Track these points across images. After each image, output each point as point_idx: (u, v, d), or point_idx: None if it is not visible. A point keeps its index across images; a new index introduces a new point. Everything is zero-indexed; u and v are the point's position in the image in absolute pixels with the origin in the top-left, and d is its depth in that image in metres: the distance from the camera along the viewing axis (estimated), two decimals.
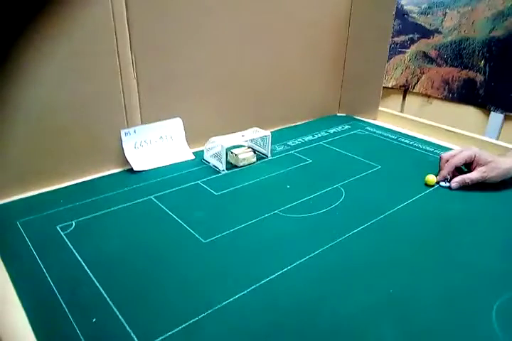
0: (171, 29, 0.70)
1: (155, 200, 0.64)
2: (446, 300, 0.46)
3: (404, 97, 1.57)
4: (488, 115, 1.36)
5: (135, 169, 0.72)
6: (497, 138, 1.27)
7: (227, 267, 0.51)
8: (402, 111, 1.53)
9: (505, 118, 1.31)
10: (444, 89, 1.42)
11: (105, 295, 0.46)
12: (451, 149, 0.84)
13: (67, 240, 0.55)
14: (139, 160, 0.73)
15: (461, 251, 0.54)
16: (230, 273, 0.50)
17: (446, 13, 1.29)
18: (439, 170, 0.70)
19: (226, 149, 0.73)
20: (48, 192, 0.66)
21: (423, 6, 1.34)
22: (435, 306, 0.45)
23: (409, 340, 0.41)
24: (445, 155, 0.70)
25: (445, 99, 1.46)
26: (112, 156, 0.72)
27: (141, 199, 0.64)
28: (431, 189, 0.69)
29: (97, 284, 0.47)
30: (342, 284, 0.48)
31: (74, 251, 0.53)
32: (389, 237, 0.57)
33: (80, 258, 0.51)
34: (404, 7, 1.39)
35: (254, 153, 0.77)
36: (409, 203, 0.65)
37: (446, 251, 0.54)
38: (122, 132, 0.71)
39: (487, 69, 1.26)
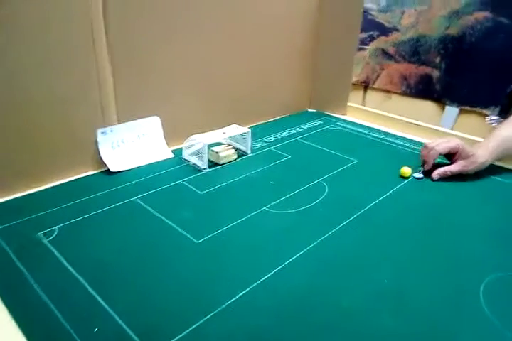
0: (148, 27, 0.68)
1: (139, 202, 0.62)
2: (437, 285, 0.49)
3: (365, 93, 1.62)
4: (443, 109, 1.43)
5: (112, 170, 0.69)
6: (451, 129, 1.34)
7: (225, 267, 0.50)
8: (363, 106, 1.57)
9: (460, 111, 1.39)
10: (403, 85, 1.48)
11: (102, 302, 0.44)
12: (420, 142, 0.88)
13: (51, 247, 0.52)
14: (116, 161, 0.70)
15: (444, 238, 0.57)
16: (228, 273, 0.49)
17: (404, 11, 1.35)
18: (422, 159, 0.73)
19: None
20: (24, 196, 0.62)
21: (382, 4, 1.39)
22: (428, 291, 0.48)
23: (408, 326, 0.43)
24: (431, 144, 0.71)
25: (403, 94, 1.51)
26: (90, 157, 0.69)
27: (125, 201, 0.62)
28: (406, 181, 0.72)
29: (91, 291, 0.46)
30: (338, 277, 0.50)
31: (61, 258, 0.50)
32: (375, 229, 0.59)
33: (68, 266, 0.49)
34: (364, 5, 1.42)
35: (235, 150, 0.77)
36: (389, 195, 0.67)
37: (430, 239, 0.57)
38: (98, 132, 0.68)
39: (443, 65, 1.33)
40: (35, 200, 0.61)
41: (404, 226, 0.60)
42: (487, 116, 1.29)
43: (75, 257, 0.50)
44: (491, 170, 0.72)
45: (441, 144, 0.70)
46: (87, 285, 0.46)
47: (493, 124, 1.30)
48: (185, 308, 0.44)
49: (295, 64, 0.97)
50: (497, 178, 0.73)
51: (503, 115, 1.27)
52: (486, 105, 1.26)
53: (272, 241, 0.55)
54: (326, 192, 0.67)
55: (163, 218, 0.59)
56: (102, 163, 0.70)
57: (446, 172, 0.71)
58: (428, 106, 1.42)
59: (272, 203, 0.64)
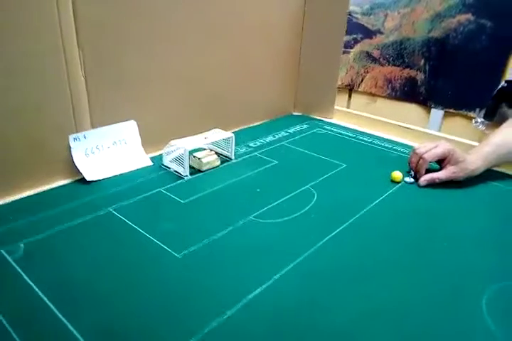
0: (123, 25, 0.64)
1: (115, 213, 0.58)
2: (436, 297, 0.45)
3: (349, 96, 1.60)
4: (429, 111, 1.42)
5: (87, 179, 0.64)
6: (438, 132, 1.33)
7: (209, 283, 0.46)
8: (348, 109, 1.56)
9: (445, 114, 1.38)
10: (388, 88, 1.46)
11: (72, 328, 0.39)
12: (409, 146, 0.86)
13: (16, 266, 0.47)
14: (92, 169, 0.65)
15: (440, 246, 0.54)
16: (214, 290, 0.45)
17: (387, 14, 1.33)
18: (410, 164, 0.70)
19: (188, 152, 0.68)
20: None
21: (365, 7, 1.38)
22: (427, 304, 0.44)
23: None
24: (419, 150, 0.69)
25: (389, 97, 1.50)
26: (60, 165, 0.64)
27: (99, 213, 0.57)
28: (398, 185, 0.69)
29: (60, 316, 0.41)
30: (332, 290, 0.46)
31: (26, 278, 0.45)
32: (368, 237, 0.55)
33: (35, 287, 0.44)
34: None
35: (218, 156, 0.73)
36: (381, 201, 0.64)
37: (427, 248, 0.54)
38: (70, 138, 0.63)
39: (427, 68, 1.32)
40: None
41: (399, 234, 0.56)
42: (473, 118, 1.28)
43: (43, 277, 0.45)
44: (489, 175, 0.70)
45: (430, 152, 0.67)
46: (55, 310, 0.41)
47: (480, 127, 1.29)
48: (165, 331, 0.40)
49: (279, 67, 0.94)
50: (495, 184, 0.71)
51: (489, 118, 1.26)
52: (470, 107, 1.25)
53: (259, 253, 0.51)
54: (315, 199, 0.64)
55: (140, 230, 0.54)
56: (77, 172, 0.65)
57: (434, 179, 0.68)
58: (414, 109, 1.41)
59: (259, 212, 0.60)
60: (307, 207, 0.62)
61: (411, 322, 0.42)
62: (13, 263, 0.47)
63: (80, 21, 0.59)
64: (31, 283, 0.45)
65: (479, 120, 1.28)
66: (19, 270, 0.46)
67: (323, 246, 0.53)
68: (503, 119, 1.24)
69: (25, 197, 0.61)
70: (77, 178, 0.65)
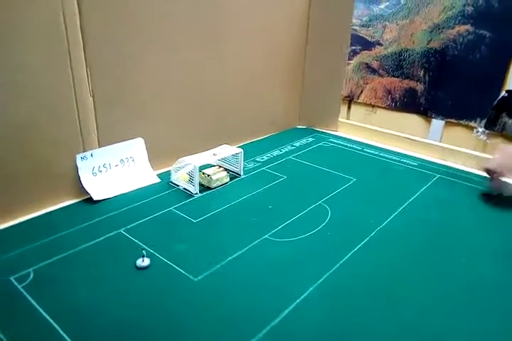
0: (130, 41, 0.62)
1: (126, 234, 0.56)
2: (471, 318, 0.44)
3: (349, 107, 1.60)
4: (429, 122, 1.42)
5: (95, 198, 0.62)
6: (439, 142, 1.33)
7: (230, 308, 0.44)
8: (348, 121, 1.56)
9: (446, 124, 1.38)
10: (387, 99, 1.47)
11: None
12: (415, 157, 0.85)
13: (26, 294, 0.45)
14: (99, 188, 0.64)
15: (467, 260, 0.53)
16: (235, 316, 0.43)
17: (385, 25, 1.34)
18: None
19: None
20: None
21: (364, 19, 1.38)
22: (462, 329, 0.43)
23: None
24: (494, 174, 0.67)
25: (388, 108, 1.50)
26: (67, 185, 0.62)
27: (109, 234, 0.55)
28: (412, 199, 0.68)
29: None
30: (360, 313, 0.44)
31: (37, 307, 0.43)
32: (389, 254, 0.54)
33: (47, 316, 0.42)
34: None
35: (227, 172, 0.71)
36: (398, 215, 0.63)
37: (452, 263, 0.52)
38: (78, 157, 0.61)
39: (426, 78, 1.33)
40: (4, 238, 0.54)
41: (419, 249, 0.55)
42: (474, 128, 1.28)
43: (53, 304, 0.43)
44: None
45: (503, 172, 0.66)
46: (67, 338, 0.39)
47: (481, 137, 1.29)
48: None
49: (283, 80, 0.93)
50: None
51: (490, 127, 1.26)
52: (471, 117, 1.26)
53: (279, 274, 0.50)
54: (329, 216, 0.63)
55: (154, 252, 0.52)
56: (84, 191, 0.63)
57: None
58: (414, 120, 1.41)
59: (273, 230, 0.58)
60: (322, 224, 0.60)
61: None
62: (23, 291, 0.45)
63: (87, 38, 0.57)
64: (42, 311, 0.42)
65: (480, 130, 1.29)
66: (29, 298, 0.44)
67: (343, 265, 0.51)
68: (504, 129, 1.25)
69: (31, 219, 0.58)
70: (83, 198, 0.63)
